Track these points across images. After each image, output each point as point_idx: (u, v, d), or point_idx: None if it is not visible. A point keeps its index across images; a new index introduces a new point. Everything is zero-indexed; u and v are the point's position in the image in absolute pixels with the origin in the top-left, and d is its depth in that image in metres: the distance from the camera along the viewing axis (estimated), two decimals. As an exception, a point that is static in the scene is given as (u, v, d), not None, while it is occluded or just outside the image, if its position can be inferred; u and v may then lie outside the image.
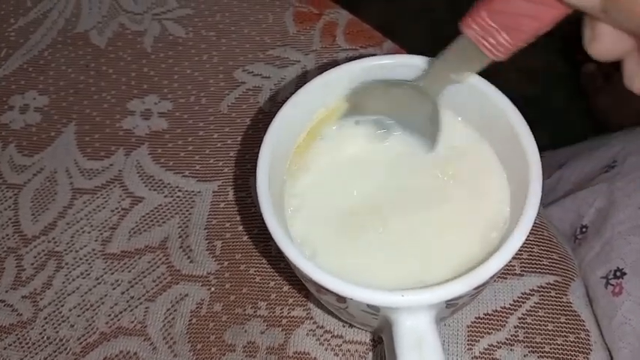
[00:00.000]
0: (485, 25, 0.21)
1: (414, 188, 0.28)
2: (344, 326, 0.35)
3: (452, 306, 0.24)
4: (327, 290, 0.23)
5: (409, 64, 0.28)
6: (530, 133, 0.25)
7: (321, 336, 0.35)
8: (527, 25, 0.21)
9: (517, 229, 0.23)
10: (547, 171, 0.48)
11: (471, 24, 0.22)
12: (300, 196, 0.28)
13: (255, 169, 0.25)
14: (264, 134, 0.26)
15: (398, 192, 0.27)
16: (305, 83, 0.29)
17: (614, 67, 0.22)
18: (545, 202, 0.45)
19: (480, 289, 0.23)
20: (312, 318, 0.36)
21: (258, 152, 0.41)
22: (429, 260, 0.26)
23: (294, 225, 0.27)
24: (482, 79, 0.26)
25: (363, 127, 0.29)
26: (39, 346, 0.37)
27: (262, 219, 0.38)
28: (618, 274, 0.35)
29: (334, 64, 0.36)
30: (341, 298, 0.23)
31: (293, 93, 0.29)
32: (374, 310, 0.23)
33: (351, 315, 0.26)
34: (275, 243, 0.24)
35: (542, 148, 0.25)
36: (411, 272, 0.25)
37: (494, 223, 0.26)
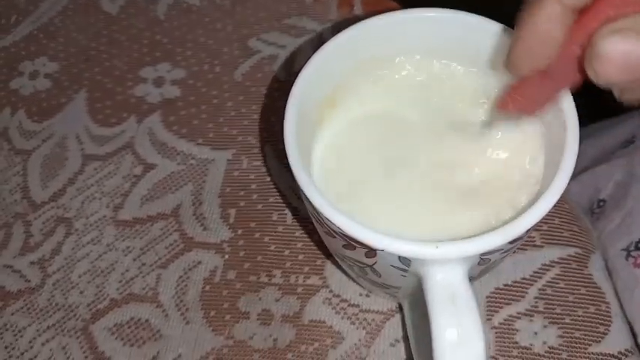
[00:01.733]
0: (519, 104, 0.23)
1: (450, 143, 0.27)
2: (360, 295, 0.35)
3: (484, 262, 0.23)
4: (359, 243, 0.22)
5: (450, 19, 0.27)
6: (570, 95, 0.24)
7: (337, 305, 0.34)
8: (552, 97, 0.23)
9: (553, 184, 0.22)
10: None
11: (506, 104, 0.24)
12: (329, 147, 0.27)
13: (283, 124, 0.25)
14: (293, 86, 0.25)
15: (434, 145, 0.27)
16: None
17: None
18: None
19: (514, 244, 0.22)
20: (328, 286, 0.35)
21: (273, 121, 0.41)
22: (457, 216, 0.25)
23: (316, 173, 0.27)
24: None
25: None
26: (47, 312, 0.36)
27: (277, 187, 0.38)
28: (640, 245, 0.35)
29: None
30: (371, 252, 0.22)
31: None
32: (404, 264, 0.22)
33: (377, 273, 0.25)
34: (303, 198, 0.23)
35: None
36: (441, 227, 0.24)
37: (524, 185, 0.26)
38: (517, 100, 0.23)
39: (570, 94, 0.24)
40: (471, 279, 0.26)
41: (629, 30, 0.18)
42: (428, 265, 0.22)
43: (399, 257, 0.22)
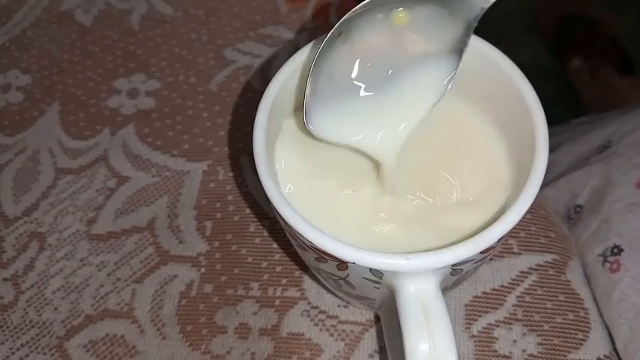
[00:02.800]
0: None
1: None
2: (339, 306, 0.34)
3: (457, 272, 0.23)
4: (329, 256, 0.22)
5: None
6: (536, 96, 0.24)
7: (316, 316, 0.34)
8: None
9: (524, 193, 0.22)
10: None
11: None
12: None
13: (251, 138, 0.24)
14: (259, 104, 0.25)
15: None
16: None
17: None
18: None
19: (485, 254, 0.22)
20: (306, 298, 0.35)
21: (249, 131, 0.40)
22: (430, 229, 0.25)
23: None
24: (489, 45, 0.26)
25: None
26: (21, 329, 0.36)
27: (254, 198, 0.38)
28: (616, 250, 0.35)
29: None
30: (342, 265, 0.22)
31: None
32: (377, 276, 0.22)
33: (351, 286, 0.25)
34: (275, 212, 0.23)
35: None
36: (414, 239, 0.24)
37: (497, 193, 0.26)
38: None
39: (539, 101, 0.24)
40: (446, 289, 0.25)
41: None
42: (400, 278, 0.22)
43: (371, 269, 0.22)
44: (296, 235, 0.23)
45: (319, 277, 0.29)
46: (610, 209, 0.36)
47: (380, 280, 0.23)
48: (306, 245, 0.23)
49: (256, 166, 0.23)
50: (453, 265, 0.21)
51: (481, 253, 0.21)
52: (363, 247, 0.21)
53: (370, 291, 0.25)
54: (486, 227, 0.21)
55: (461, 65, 0.25)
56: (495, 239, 0.21)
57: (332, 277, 0.25)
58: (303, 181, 0.27)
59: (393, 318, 0.29)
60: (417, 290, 0.21)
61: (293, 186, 0.26)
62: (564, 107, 0.98)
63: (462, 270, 0.23)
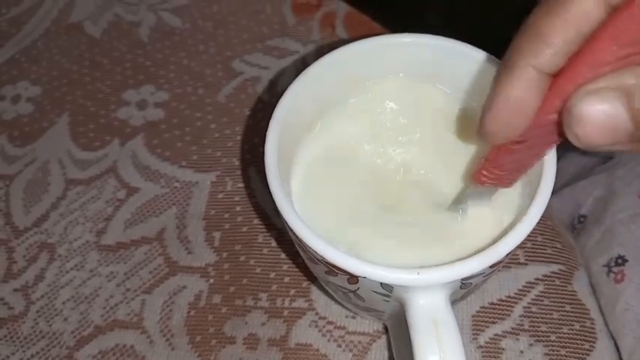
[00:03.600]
0: (496, 176, 0.22)
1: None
2: (347, 317, 0.35)
3: (466, 286, 0.23)
4: (340, 270, 0.22)
5: (428, 44, 0.27)
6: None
7: (324, 327, 0.34)
8: (531, 163, 0.22)
9: (532, 207, 0.23)
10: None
11: (481, 178, 0.23)
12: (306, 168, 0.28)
13: (263, 153, 0.25)
14: (274, 110, 0.26)
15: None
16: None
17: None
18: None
19: (494, 267, 0.23)
20: (314, 309, 0.35)
21: (257, 142, 0.41)
22: (442, 243, 0.25)
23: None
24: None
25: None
26: (31, 340, 0.36)
27: (262, 209, 0.38)
28: (620, 261, 0.35)
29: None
30: (353, 279, 0.22)
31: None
32: (387, 290, 0.22)
33: (361, 298, 0.25)
34: (286, 226, 0.23)
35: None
36: (424, 254, 0.24)
37: (505, 208, 0.26)
38: (492, 172, 0.22)
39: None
40: (455, 301, 0.26)
41: (606, 89, 0.17)
42: (410, 292, 0.22)
43: (381, 284, 0.22)
44: (306, 248, 0.23)
45: (328, 289, 0.30)
46: (613, 219, 0.36)
47: (390, 294, 0.23)
48: (317, 259, 0.23)
49: (268, 181, 0.24)
50: (462, 279, 0.22)
51: (490, 267, 0.22)
52: (373, 261, 0.22)
53: (380, 304, 0.25)
54: (496, 241, 0.22)
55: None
56: (504, 254, 0.21)
57: (341, 290, 0.26)
58: (314, 193, 0.27)
59: (401, 329, 0.30)
60: (427, 304, 0.22)
61: (303, 198, 0.27)
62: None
63: (471, 284, 0.23)
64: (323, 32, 0.45)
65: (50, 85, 0.46)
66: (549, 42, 0.18)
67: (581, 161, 0.45)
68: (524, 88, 0.19)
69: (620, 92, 0.17)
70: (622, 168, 0.40)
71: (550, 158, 0.24)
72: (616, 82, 0.17)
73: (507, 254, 0.22)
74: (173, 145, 0.42)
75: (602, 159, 0.43)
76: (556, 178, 0.46)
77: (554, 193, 0.45)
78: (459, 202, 0.26)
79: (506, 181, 0.23)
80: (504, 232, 0.22)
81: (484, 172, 0.22)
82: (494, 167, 0.22)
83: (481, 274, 0.22)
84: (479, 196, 0.25)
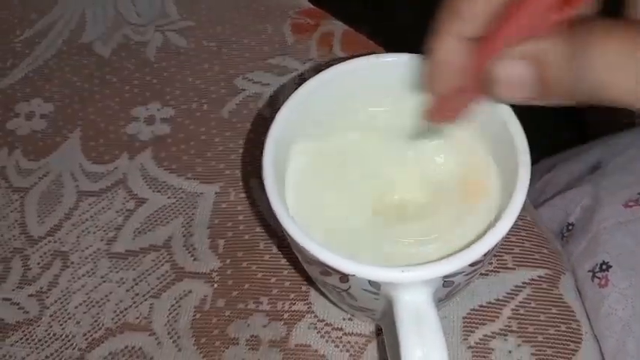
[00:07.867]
0: (441, 115, 0.26)
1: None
2: (344, 319, 0.36)
3: (449, 284, 0.25)
4: (332, 269, 0.24)
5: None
6: (518, 122, 0.27)
7: (322, 329, 0.36)
8: (467, 105, 0.25)
9: (507, 211, 0.24)
10: (538, 175, 0.50)
11: (432, 116, 0.26)
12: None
13: (261, 163, 0.27)
14: (271, 125, 0.28)
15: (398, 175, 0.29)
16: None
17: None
18: (536, 204, 0.46)
19: (475, 267, 0.24)
20: (313, 312, 0.37)
21: (258, 154, 0.43)
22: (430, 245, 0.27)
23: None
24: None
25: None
26: (45, 342, 0.38)
27: (263, 218, 0.40)
28: (604, 267, 0.37)
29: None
30: (344, 277, 0.24)
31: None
32: (375, 287, 0.24)
33: (353, 298, 0.27)
34: (282, 229, 0.26)
35: (533, 159, 0.27)
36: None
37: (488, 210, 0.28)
38: (439, 110, 0.26)
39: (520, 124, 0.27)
40: (441, 300, 0.28)
41: (521, 54, 0.20)
42: (396, 289, 0.24)
43: (369, 281, 0.24)
44: (302, 249, 0.25)
45: (325, 290, 0.31)
46: (599, 227, 0.38)
47: (378, 292, 0.25)
48: (311, 260, 0.25)
49: (265, 186, 0.26)
50: (444, 277, 0.24)
51: (470, 265, 0.24)
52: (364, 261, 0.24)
53: (370, 302, 0.27)
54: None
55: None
56: (481, 253, 0.23)
57: (336, 290, 0.28)
58: (312, 198, 0.29)
59: (392, 329, 0.32)
60: (412, 300, 0.24)
61: (301, 204, 0.29)
62: (566, 125, 1.00)
63: (453, 282, 0.25)
64: (320, 51, 0.47)
65: (62, 102, 0.48)
66: (462, 15, 0.22)
67: (572, 171, 0.47)
68: (445, 52, 0.23)
69: (532, 57, 0.20)
70: (607, 178, 0.42)
71: (523, 174, 0.25)
72: (530, 48, 0.20)
73: (485, 254, 0.24)
74: (179, 158, 0.44)
75: (590, 169, 0.45)
76: (548, 187, 0.48)
77: (545, 202, 0.47)
78: (418, 135, 0.30)
79: (450, 118, 0.26)
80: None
81: (432, 110, 0.26)
82: (440, 107, 0.26)
83: (462, 272, 0.24)
84: (432, 130, 0.29)
